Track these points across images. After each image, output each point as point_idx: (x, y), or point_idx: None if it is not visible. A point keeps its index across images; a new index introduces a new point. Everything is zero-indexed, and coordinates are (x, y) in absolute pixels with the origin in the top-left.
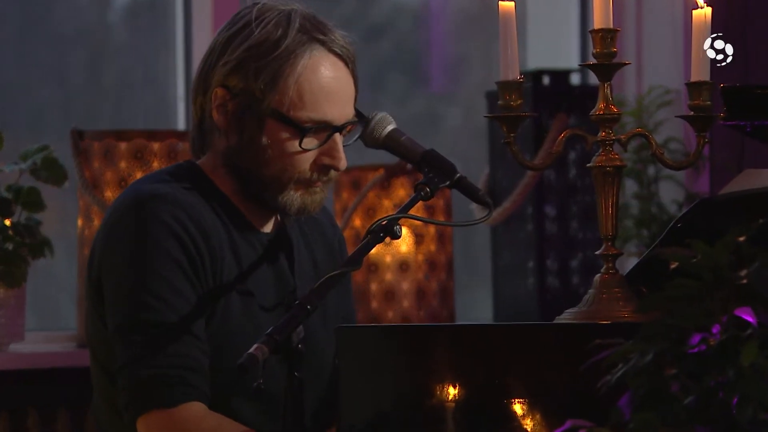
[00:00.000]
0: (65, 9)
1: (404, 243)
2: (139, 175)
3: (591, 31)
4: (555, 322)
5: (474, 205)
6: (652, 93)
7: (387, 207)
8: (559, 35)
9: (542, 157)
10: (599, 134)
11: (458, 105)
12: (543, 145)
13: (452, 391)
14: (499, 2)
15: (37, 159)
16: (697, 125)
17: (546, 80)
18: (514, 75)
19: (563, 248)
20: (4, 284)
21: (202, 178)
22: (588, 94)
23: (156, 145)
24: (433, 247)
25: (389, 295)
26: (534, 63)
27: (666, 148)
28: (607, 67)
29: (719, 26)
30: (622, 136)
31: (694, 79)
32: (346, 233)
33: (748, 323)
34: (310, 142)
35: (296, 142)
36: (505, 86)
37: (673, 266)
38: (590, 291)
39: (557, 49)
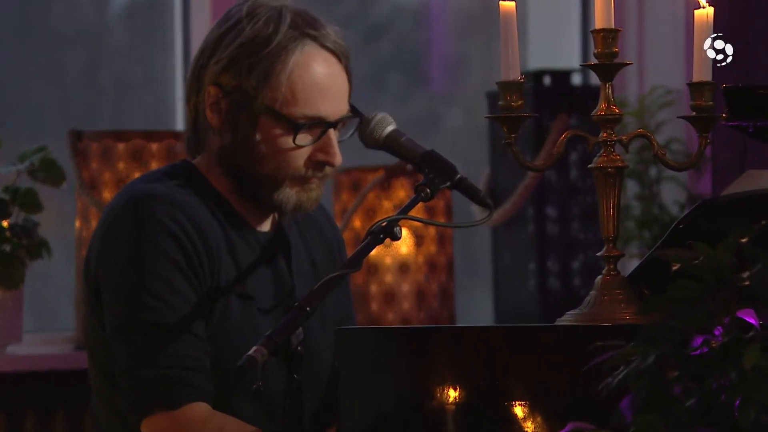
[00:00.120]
0: (64, 9)
1: (404, 244)
2: (137, 175)
3: (592, 31)
4: (556, 324)
5: (474, 207)
6: (653, 93)
7: (387, 208)
8: (560, 35)
9: (543, 157)
10: (600, 135)
11: (458, 105)
12: (544, 145)
13: (452, 394)
14: (500, 2)
15: (35, 160)
16: (698, 126)
17: (547, 80)
18: (515, 75)
19: (564, 249)
20: (1, 286)
21: (197, 178)
22: (589, 94)
23: (154, 146)
24: (433, 249)
25: (389, 296)
26: (535, 63)
27: (668, 149)
28: (608, 67)
29: (721, 26)
30: (623, 137)
31: (696, 79)
32: (346, 234)
33: (750, 325)
34: (304, 138)
35: (290, 139)
36: (506, 86)
37: (674, 268)
38: (591, 293)
39: (558, 49)
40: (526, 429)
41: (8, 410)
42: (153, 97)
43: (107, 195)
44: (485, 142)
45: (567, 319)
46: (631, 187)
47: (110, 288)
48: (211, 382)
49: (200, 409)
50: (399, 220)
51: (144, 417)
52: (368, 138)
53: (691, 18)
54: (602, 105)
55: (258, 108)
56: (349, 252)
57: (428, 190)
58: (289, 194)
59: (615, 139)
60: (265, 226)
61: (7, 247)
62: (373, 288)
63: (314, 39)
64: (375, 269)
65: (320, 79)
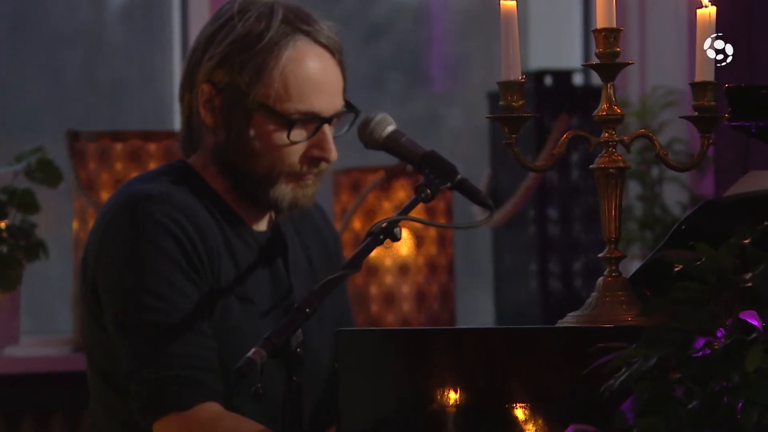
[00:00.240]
0: (61, 8)
1: (404, 245)
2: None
3: (594, 31)
4: (557, 325)
5: (475, 207)
6: (655, 93)
7: (387, 209)
8: (561, 35)
9: (544, 158)
10: (602, 135)
11: (459, 105)
12: (545, 146)
13: (453, 396)
14: (501, 1)
15: (32, 160)
16: (701, 126)
17: (548, 80)
18: (516, 75)
19: (566, 251)
20: None
21: (193, 177)
22: (591, 94)
23: (152, 146)
24: (433, 250)
25: (389, 298)
26: (536, 63)
27: (670, 149)
28: (610, 67)
29: (724, 25)
30: (625, 137)
31: (698, 79)
32: (346, 235)
33: (753, 327)
34: (298, 134)
35: (284, 135)
36: (507, 86)
37: (677, 269)
38: (593, 294)
39: (559, 49)
40: (527, 431)
41: (5, 412)
42: (151, 97)
43: (105, 196)
44: (486, 143)
45: (568, 320)
46: (633, 187)
47: (111, 290)
48: (221, 381)
49: (212, 408)
50: (399, 221)
51: (156, 419)
52: (368, 138)
53: (693, 17)
54: (604, 105)
55: (251, 104)
56: (349, 253)
57: (428, 191)
58: (284, 191)
59: (617, 139)
60: (262, 226)
61: (4, 248)
62: (373, 289)
63: (307, 34)
64: (375, 270)
65: (313, 74)
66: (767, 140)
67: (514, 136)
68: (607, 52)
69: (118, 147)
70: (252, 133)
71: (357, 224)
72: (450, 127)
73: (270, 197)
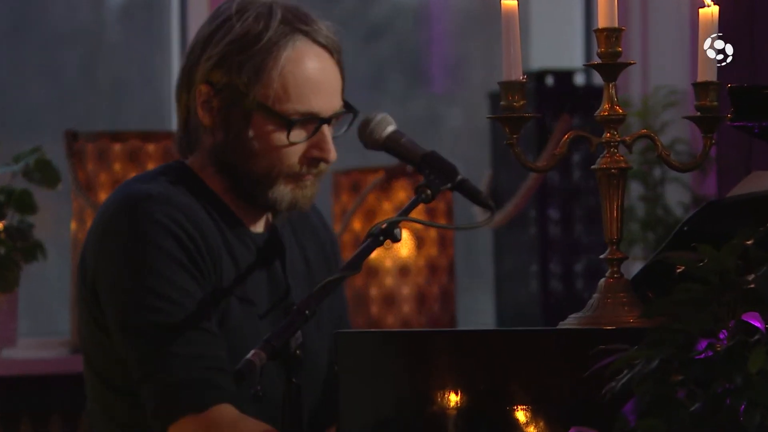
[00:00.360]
0: (59, 8)
1: (405, 246)
2: None
3: (595, 30)
4: (558, 327)
5: (476, 208)
6: (657, 93)
7: (387, 210)
8: (562, 34)
9: (545, 158)
10: (604, 135)
11: (459, 106)
12: (546, 146)
13: (453, 398)
14: (502, 1)
15: (30, 161)
16: (703, 126)
17: (549, 80)
18: (517, 75)
19: (567, 252)
20: None
21: (191, 178)
22: (592, 94)
23: (151, 147)
24: (434, 251)
25: (389, 299)
26: (537, 63)
27: (672, 150)
28: (611, 67)
29: (726, 25)
30: (627, 138)
31: (700, 79)
32: (346, 236)
33: (755, 328)
34: (298, 134)
35: (284, 136)
36: (508, 86)
37: (679, 270)
38: (595, 296)
39: (561, 49)
40: None
41: (3, 414)
42: (150, 97)
43: (103, 196)
44: (487, 143)
45: (570, 322)
46: (635, 188)
47: (113, 292)
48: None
49: (227, 411)
50: (399, 221)
51: (171, 423)
52: (368, 139)
53: (695, 17)
54: (605, 105)
55: (250, 105)
56: (349, 254)
57: (429, 191)
58: (283, 192)
59: (618, 139)
60: (259, 227)
61: (2, 250)
62: (373, 291)
63: (306, 34)
64: (375, 272)
65: (312, 74)
66: None
67: (515, 136)
68: (609, 52)
69: (117, 147)
70: (251, 133)
71: (357, 225)
72: (450, 128)
73: (269, 198)
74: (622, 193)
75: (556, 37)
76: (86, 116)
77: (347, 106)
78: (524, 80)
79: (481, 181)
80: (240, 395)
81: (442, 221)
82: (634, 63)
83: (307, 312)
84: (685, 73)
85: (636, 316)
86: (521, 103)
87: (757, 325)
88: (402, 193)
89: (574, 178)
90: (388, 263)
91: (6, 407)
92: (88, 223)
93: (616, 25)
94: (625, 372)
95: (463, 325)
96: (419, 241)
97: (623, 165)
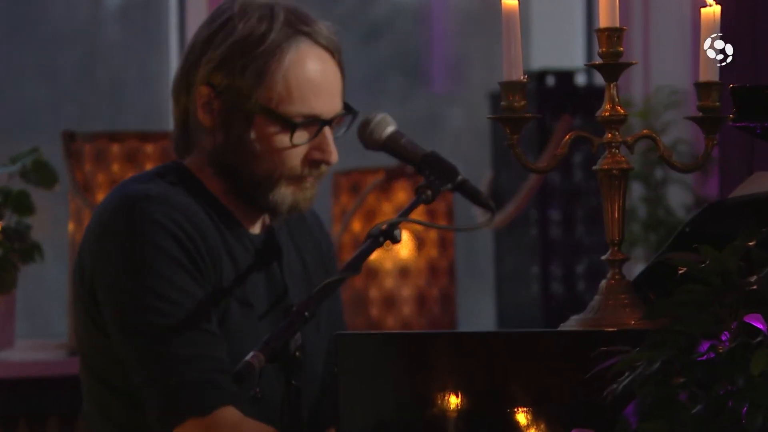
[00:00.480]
0: (57, 7)
1: (405, 248)
2: None
3: (597, 30)
4: (559, 329)
5: (476, 209)
6: (659, 93)
7: (387, 211)
8: (563, 34)
9: (546, 159)
10: (605, 136)
11: (460, 106)
12: (547, 147)
13: (454, 400)
14: (502, 0)
15: (27, 161)
16: (705, 127)
17: (550, 80)
18: (518, 75)
19: (568, 253)
20: None
21: (189, 178)
22: (593, 94)
23: (149, 147)
24: (434, 252)
25: (389, 301)
26: (538, 63)
27: (674, 150)
28: (613, 67)
29: (728, 25)
30: (628, 138)
31: (702, 79)
32: (345, 238)
33: (758, 330)
34: (300, 136)
35: (286, 138)
36: (509, 87)
37: (681, 272)
38: (596, 297)
39: (562, 49)
40: None
41: (0, 417)
42: (148, 98)
43: (101, 197)
44: (487, 144)
45: (571, 324)
46: (637, 189)
47: (112, 294)
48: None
49: (230, 413)
50: (399, 222)
51: (175, 426)
52: (368, 139)
53: (697, 17)
54: (607, 105)
55: (252, 107)
56: (348, 255)
57: (429, 192)
58: (284, 194)
59: (620, 140)
60: (256, 228)
61: None
62: (373, 292)
63: (308, 36)
64: (375, 273)
65: (315, 76)
66: None
67: (515, 136)
68: (610, 52)
69: (115, 148)
70: (253, 135)
71: (357, 226)
72: (451, 128)
73: (269, 200)
74: (624, 194)
75: (557, 37)
76: (84, 117)
77: (347, 108)
78: (525, 80)
79: (482, 181)
80: (240, 397)
81: (443, 222)
82: (635, 63)
83: (306, 314)
84: (686, 74)
85: (637, 317)
86: (522, 103)
87: (760, 326)
88: (402, 194)
89: (575, 179)
90: (388, 264)
91: (3, 410)
92: (86, 224)
93: (618, 24)
94: (627, 374)
95: (463, 327)
96: (419, 243)
97: (625, 166)
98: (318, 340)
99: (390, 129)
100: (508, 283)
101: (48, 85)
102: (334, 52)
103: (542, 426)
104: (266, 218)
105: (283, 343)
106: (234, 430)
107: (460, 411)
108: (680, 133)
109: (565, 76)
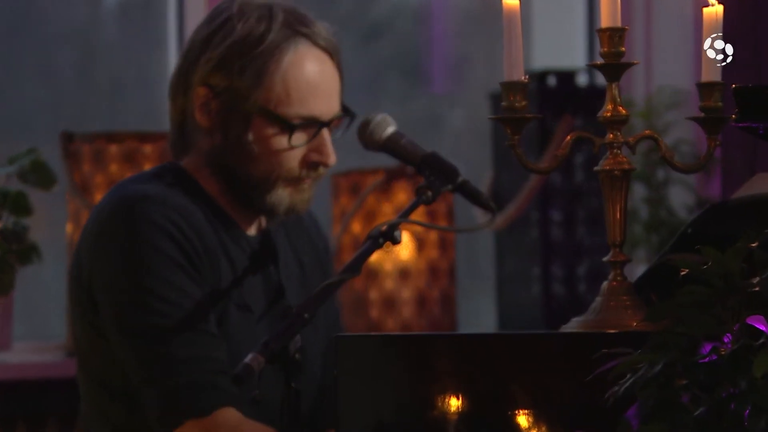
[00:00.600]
0: (55, 6)
1: (405, 249)
2: None
3: (598, 30)
4: (561, 330)
5: (477, 210)
6: (661, 94)
7: (387, 211)
8: (565, 34)
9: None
10: (607, 136)
11: (460, 106)
12: (548, 147)
13: (454, 402)
14: (503, 0)
15: (25, 162)
16: (708, 127)
17: (552, 81)
18: (519, 75)
19: (569, 254)
20: None
21: (186, 179)
22: (595, 94)
23: (148, 148)
24: (434, 254)
25: (389, 303)
26: (539, 63)
27: (676, 151)
28: (614, 67)
29: (731, 25)
30: (630, 139)
31: (704, 79)
32: (345, 239)
33: (760, 332)
34: (298, 138)
35: (284, 139)
36: (510, 87)
37: (683, 273)
38: (597, 299)
39: (563, 49)
40: None
41: None
42: (147, 98)
43: (99, 198)
44: (488, 144)
45: (572, 325)
46: (639, 190)
47: (111, 295)
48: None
49: (230, 414)
50: (399, 223)
51: (175, 427)
52: (368, 139)
53: (699, 16)
54: (608, 106)
55: (251, 108)
56: (348, 257)
57: (429, 193)
58: (282, 196)
59: (621, 140)
60: (253, 230)
61: None
62: (373, 294)
63: (307, 37)
64: (375, 275)
65: (314, 78)
66: None
67: (516, 137)
68: (612, 52)
69: (113, 148)
70: (251, 137)
71: (356, 227)
72: (451, 128)
73: (266, 202)
74: (626, 194)
75: (559, 37)
76: (82, 117)
77: (345, 109)
78: (526, 80)
79: (482, 182)
80: (240, 397)
81: (443, 223)
82: (637, 63)
83: (306, 315)
84: (689, 73)
85: (639, 319)
86: (523, 103)
87: (762, 328)
88: (402, 195)
89: (576, 180)
90: (388, 266)
91: (1, 412)
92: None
93: (619, 24)
94: (628, 376)
95: (464, 329)
96: (420, 244)
97: (626, 166)
98: (317, 342)
99: (390, 129)
100: (508, 285)
101: (46, 85)
102: (332, 53)
103: (543, 428)
104: (263, 220)
105: (283, 344)
106: (234, 430)
107: (461, 413)
108: (682, 133)
109: (566, 76)
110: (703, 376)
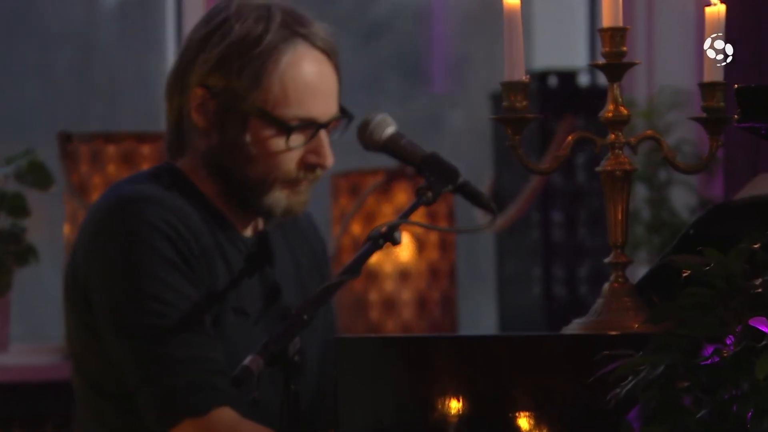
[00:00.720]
0: (52, 6)
1: (405, 250)
2: None
3: (600, 30)
4: (562, 332)
5: (477, 211)
6: (663, 94)
7: (387, 212)
8: (566, 34)
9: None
10: (608, 137)
11: (461, 106)
12: (549, 148)
13: (455, 404)
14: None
15: (23, 163)
16: (710, 127)
17: (553, 81)
18: (520, 75)
19: (570, 256)
20: None
21: (182, 180)
22: (596, 94)
23: (146, 148)
24: (435, 255)
25: (389, 304)
26: (540, 63)
27: (678, 151)
28: (616, 66)
29: (733, 25)
30: (632, 139)
31: (707, 79)
32: (345, 240)
33: (762, 334)
34: (296, 139)
35: (281, 141)
36: (510, 87)
37: (685, 274)
38: (599, 300)
39: (564, 49)
40: None
41: None
42: (145, 98)
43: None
44: (488, 145)
45: (573, 327)
46: (640, 190)
47: (107, 296)
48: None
49: (227, 414)
50: (399, 224)
51: (171, 427)
52: (368, 140)
53: (701, 16)
54: (610, 106)
55: (248, 109)
56: (348, 258)
57: (430, 194)
58: (279, 198)
59: (623, 141)
60: (249, 231)
61: None
62: (373, 295)
63: (305, 38)
64: (375, 276)
65: (311, 79)
66: None
67: (517, 137)
68: (614, 52)
69: (111, 149)
70: (248, 138)
71: (356, 228)
72: (451, 129)
73: (263, 204)
74: (627, 195)
75: (560, 37)
76: (80, 117)
77: (343, 111)
78: (527, 80)
79: (483, 183)
80: (237, 400)
81: (443, 224)
82: (639, 63)
83: (305, 317)
84: (690, 73)
85: (641, 321)
86: (524, 103)
87: (765, 330)
88: (402, 196)
89: (577, 181)
90: (388, 267)
91: None
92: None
93: (621, 24)
94: (630, 378)
95: (464, 330)
96: (420, 245)
97: (628, 167)
98: (315, 344)
99: (390, 130)
100: (509, 286)
101: (44, 85)
102: (330, 54)
103: (544, 430)
104: (259, 221)
105: (282, 346)
106: (231, 430)
107: (461, 416)
108: (684, 133)
109: (567, 77)
110: (706, 378)
